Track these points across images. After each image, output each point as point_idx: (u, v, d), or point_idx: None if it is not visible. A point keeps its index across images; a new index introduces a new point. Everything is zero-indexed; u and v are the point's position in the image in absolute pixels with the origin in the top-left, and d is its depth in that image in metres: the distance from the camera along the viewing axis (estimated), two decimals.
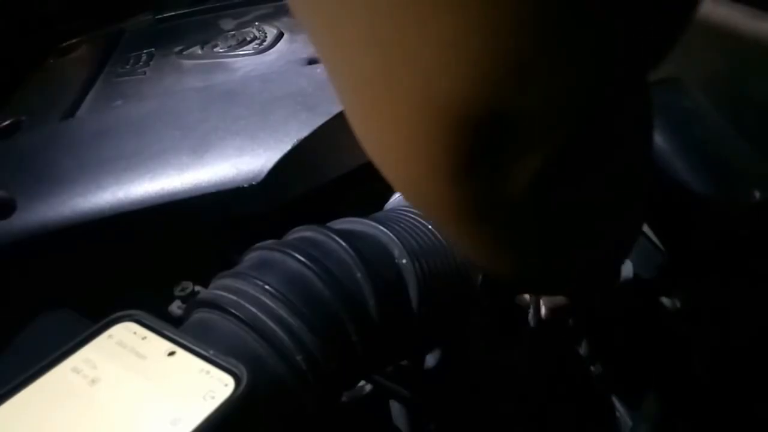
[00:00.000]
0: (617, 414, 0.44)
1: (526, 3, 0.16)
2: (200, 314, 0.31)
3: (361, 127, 0.22)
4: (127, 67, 0.59)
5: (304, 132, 0.43)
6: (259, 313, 0.29)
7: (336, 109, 0.44)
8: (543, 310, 0.43)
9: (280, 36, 0.59)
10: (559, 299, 0.42)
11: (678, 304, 0.40)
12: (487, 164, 0.19)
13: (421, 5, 0.16)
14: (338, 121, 0.43)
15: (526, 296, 0.43)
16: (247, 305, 0.30)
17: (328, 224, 0.35)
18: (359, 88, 0.20)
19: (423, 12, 0.16)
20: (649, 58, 0.20)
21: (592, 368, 0.46)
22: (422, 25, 0.17)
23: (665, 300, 0.41)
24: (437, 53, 0.17)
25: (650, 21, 0.18)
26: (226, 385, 0.24)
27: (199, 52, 0.59)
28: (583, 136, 0.20)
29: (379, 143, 0.22)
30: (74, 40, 0.70)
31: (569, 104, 0.18)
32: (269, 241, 0.34)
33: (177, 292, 0.40)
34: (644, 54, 0.19)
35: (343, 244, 0.33)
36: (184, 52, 0.59)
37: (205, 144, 0.43)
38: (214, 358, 0.25)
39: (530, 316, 0.44)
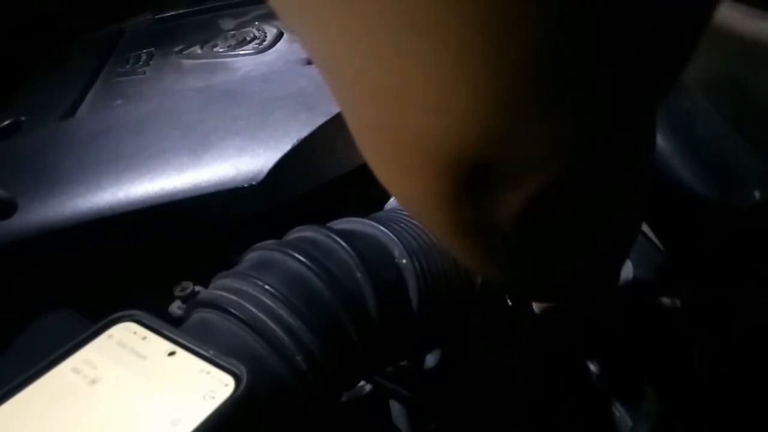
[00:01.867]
0: (617, 414, 0.44)
1: (519, 57, 0.16)
2: (200, 314, 0.31)
3: (358, 144, 0.22)
4: (127, 66, 0.59)
5: (304, 132, 0.43)
6: (259, 313, 0.29)
7: (336, 109, 0.44)
8: (536, 309, 0.43)
9: (279, 36, 0.59)
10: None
11: (678, 304, 0.40)
12: (475, 197, 0.20)
13: (413, 73, 0.17)
14: (338, 121, 0.43)
15: None
16: (247, 305, 0.30)
17: (328, 224, 0.35)
18: (352, 120, 0.21)
19: (414, 78, 0.17)
20: (644, 106, 0.21)
21: (591, 368, 0.46)
22: (414, 92, 0.17)
23: (665, 300, 0.41)
24: (428, 99, 0.17)
25: (642, 73, 0.18)
26: (226, 385, 0.24)
27: (199, 51, 0.59)
28: (574, 173, 0.20)
29: (374, 164, 0.22)
30: (74, 40, 0.70)
31: (561, 149, 0.19)
32: (269, 241, 0.34)
33: (177, 292, 0.40)
34: (638, 102, 0.20)
35: (343, 244, 0.33)
36: (184, 52, 0.59)
37: (205, 144, 0.43)
38: (214, 358, 0.25)
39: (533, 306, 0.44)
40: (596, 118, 0.18)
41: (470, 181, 0.19)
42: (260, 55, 0.56)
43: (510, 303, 0.43)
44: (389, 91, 0.18)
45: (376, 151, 0.22)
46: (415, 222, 0.35)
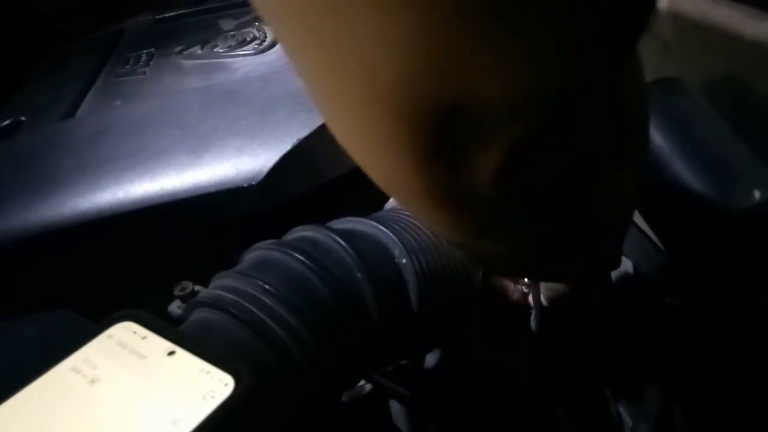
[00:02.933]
0: (617, 414, 0.44)
1: None
2: (200, 314, 0.31)
3: (326, 118, 0.21)
4: (127, 67, 0.59)
5: (304, 132, 0.43)
6: (259, 313, 0.29)
7: None
8: (543, 299, 0.43)
9: None
10: (558, 287, 0.42)
11: (678, 304, 0.40)
12: (446, 156, 0.19)
13: (349, 3, 0.16)
14: None
15: (524, 289, 0.43)
16: (246, 305, 0.30)
17: (328, 224, 0.35)
18: (314, 84, 0.20)
19: (347, 6, 0.16)
20: (621, 42, 0.18)
21: (592, 368, 0.46)
22: (351, 22, 0.16)
23: (665, 300, 0.41)
24: (372, 49, 0.16)
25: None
26: (226, 385, 0.24)
27: (199, 52, 0.59)
28: (549, 126, 0.18)
29: (343, 135, 0.21)
30: (74, 40, 0.70)
31: (527, 95, 0.17)
32: (269, 241, 0.34)
33: (177, 292, 0.40)
34: (614, 36, 0.17)
35: (343, 243, 0.33)
36: (184, 52, 0.59)
37: (205, 144, 0.43)
38: (214, 358, 0.25)
39: (532, 318, 0.44)
40: (566, 53, 0.16)
41: (438, 135, 0.18)
42: (260, 55, 0.56)
43: (511, 304, 0.43)
44: (335, 45, 0.17)
45: (341, 115, 0.20)
46: (415, 222, 0.35)
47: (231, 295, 0.30)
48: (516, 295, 0.44)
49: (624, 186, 0.27)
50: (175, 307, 0.41)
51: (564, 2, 0.15)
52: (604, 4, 0.16)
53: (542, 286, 0.43)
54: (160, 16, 0.71)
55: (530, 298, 0.43)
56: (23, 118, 0.53)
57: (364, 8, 0.15)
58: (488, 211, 0.22)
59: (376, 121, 0.18)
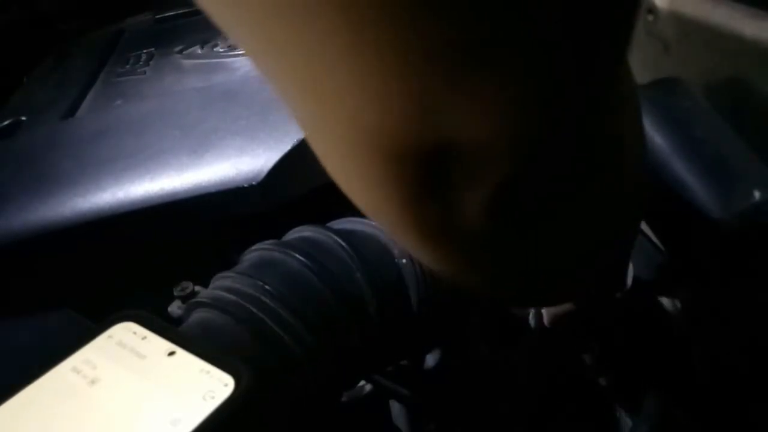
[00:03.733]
0: (617, 414, 0.44)
1: (433, 35, 0.14)
2: (200, 314, 0.31)
3: (315, 152, 0.21)
4: (127, 66, 0.59)
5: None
6: (259, 313, 0.29)
7: None
8: (545, 318, 0.43)
9: None
10: (561, 306, 0.42)
11: (678, 305, 0.40)
12: (432, 196, 0.19)
13: (318, 49, 0.15)
14: None
15: None
16: (246, 305, 0.30)
17: (328, 224, 0.35)
18: (300, 120, 0.20)
19: (323, 55, 0.16)
20: (601, 67, 0.18)
21: (592, 368, 0.46)
22: (329, 68, 0.16)
23: (665, 300, 0.41)
24: (351, 93, 0.16)
25: (593, 25, 0.16)
26: (226, 385, 0.24)
27: (199, 51, 0.59)
28: (533, 163, 0.18)
29: (332, 171, 0.21)
30: (74, 40, 0.70)
31: (507, 136, 0.17)
32: (269, 241, 0.34)
33: (177, 292, 0.40)
34: (592, 64, 0.17)
35: (343, 244, 0.33)
36: (184, 52, 0.59)
37: (205, 144, 0.43)
38: (214, 358, 0.25)
39: (531, 318, 0.44)
40: (542, 90, 0.16)
41: (424, 175, 0.18)
42: None
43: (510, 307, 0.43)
44: (314, 90, 0.17)
45: (327, 152, 0.20)
46: None
47: (231, 296, 0.30)
48: None
49: (619, 205, 0.26)
50: (175, 307, 0.41)
51: (533, 49, 0.15)
52: (572, 47, 0.16)
53: None
54: (160, 16, 0.71)
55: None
56: (23, 118, 0.53)
57: (338, 57, 0.15)
58: (479, 245, 0.21)
59: (361, 161, 0.18)
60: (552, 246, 0.24)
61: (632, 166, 0.26)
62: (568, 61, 0.16)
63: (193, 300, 0.32)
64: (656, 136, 0.35)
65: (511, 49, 0.15)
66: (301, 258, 0.31)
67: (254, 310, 0.29)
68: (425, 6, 0.14)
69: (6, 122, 0.53)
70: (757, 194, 0.32)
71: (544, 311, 0.43)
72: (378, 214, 0.22)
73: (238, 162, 0.41)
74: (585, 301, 0.40)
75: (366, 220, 0.36)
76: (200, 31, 0.63)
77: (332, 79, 0.16)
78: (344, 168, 0.20)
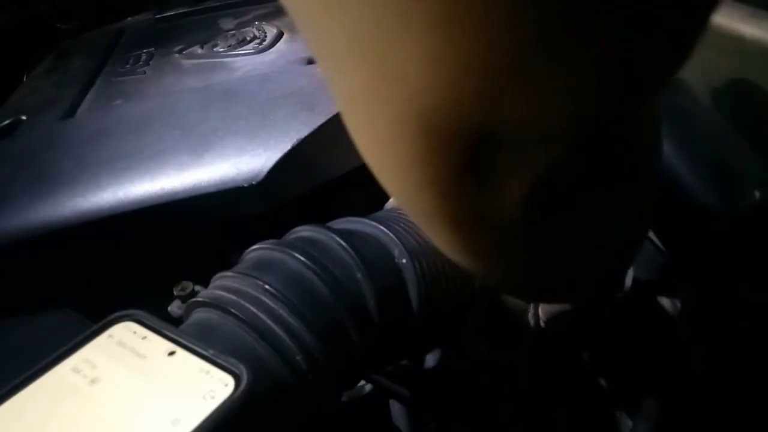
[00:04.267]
0: (617, 414, 0.44)
1: (510, 14, 0.14)
2: (200, 314, 0.31)
3: (355, 137, 0.21)
4: (127, 66, 0.59)
5: (304, 132, 0.43)
6: (259, 313, 0.29)
7: (336, 109, 0.43)
8: (542, 317, 0.43)
9: (279, 35, 0.59)
10: (558, 306, 0.42)
11: (678, 305, 0.40)
12: (476, 179, 0.19)
13: (399, 23, 0.15)
14: (338, 121, 0.43)
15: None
16: (246, 305, 0.30)
17: (328, 224, 0.35)
18: (348, 101, 0.20)
19: (402, 29, 0.15)
20: (664, 69, 0.18)
21: (592, 368, 0.46)
22: (402, 43, 0.16)
23: (665, 300, 0.41)
24: (420, 69, 0.16)
25: (662, 24, 0.16)
26: (226, 385, 0.24)
27: (199, 51, 0.59)
28: (579, 154, 0.19)
29: (372, 154, 0.21)
30: (74, 40, 0.70)
31: (565, 121, 0.17)
32: (269, 241, 0.34)
33: (177, 292, 0.40)
34: (657, 64, 0.17)
35: (343, 244, 0.33)
36: (184, 52, 0.59)
37: (205, 144, 0.43)
38: (214, 358, 0.25)
39: (530, 317, 0.44)
40: (614, 79, 0.16)
41: (468, 162, 0.18)
42: (260, 55, 0.56)
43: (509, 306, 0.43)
44: (382, 63, 0.17)
45: (373, 133, 0.20)
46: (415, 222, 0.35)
47: (231, 295, 0.30)
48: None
49: (640, 204, 0.27)
50: (175, 307, 0.41)
51: (606, 41, 0.15)
52: (645, 44, 0.16)
53: None
54: (160, 16, 0.71)
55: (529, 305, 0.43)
56: (23, 118, 0.53)
57: (422, 32, 0.15)
58: (510, 235, 0.22)
59: (410, 141, 0.18)
60: (579, 238, 0.24)
61: (653, 169, 0.27)
62: (643, 61, 0.16)
63: (193, 300, 0.32)
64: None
65: (586, 44, 0.15)
66: (301, 258, 0.31)
67: (254, 309, 0.29)
68: None
69: (6, 122, 0.53)
70: (757, 194, 0.32)
71: (540, 311, 0.43)
72: (410, 200, 0.22)
73: (238, 162, 0.41)
74: (584, 301, 0.40)
75: (366, 220, 0.36)
76: (200, 31, 0.63)
77: (405, 50, 0.16)
78: (383, 147, 0.20)
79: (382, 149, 0.20)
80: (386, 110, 0.18)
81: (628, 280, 0.40)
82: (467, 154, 0.18)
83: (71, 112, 0.52)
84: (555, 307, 0.42)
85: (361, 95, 0.19)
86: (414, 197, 0.21)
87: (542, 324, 0.41)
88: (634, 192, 0.25)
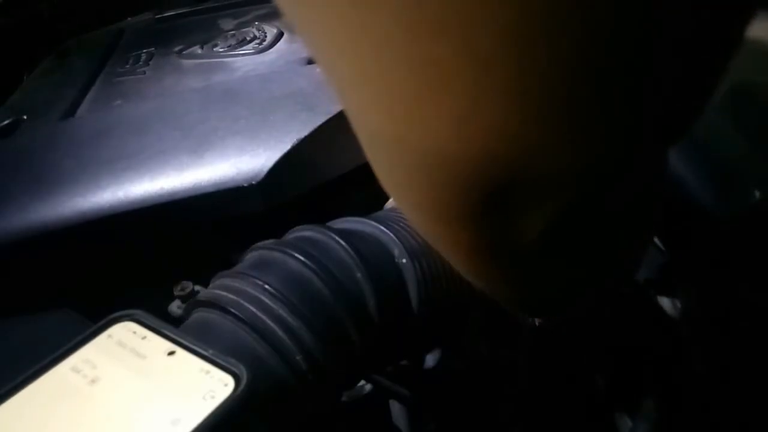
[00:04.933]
0: (617, 414, 0.44)
1: (550, 68, 0.15)
2: (200, 314, 0.31)
3: (376, 169, 0.21)
4: (127, 66, 0.59)
5: (303, 132, 0.43)
6: (258, 313, 0.29)
7: (336, 109, 0.44)
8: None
9: (279, 36, 0.59)
10: None
11: (678, 305, 0.40)
12: (499, 215, 0.19)
13: (437, 86, 0.16)
14: (338, 121, 0.43)
15: None
16: (246, 305, 0.30)
17: (328, 224, 0.35)
18: (366, 136, 0.20)
19: (438, 92, 0.16)
20: (683, 122, 0.19)
21: (592, 368, 0.46)
22: (437, 104, 0.16)
23: (665, 301, 0.41)
24: (452, 127, 0.16)
25: (682, 86, 0.17)
26: (226, 385, 0.24)
27: (199, 51, 0.59)
28: (598, 194, 0.19)
29: (390, 186, 0.21)
30: (74, 40, 0.70)
31: (587, 168, 0.18)
32: (269, 241, 0.34)
33: (177, 291, 0.40)
34: (676, 120, 0.19)
35: (343, 243, 0.33)
36: (184, 52, 0.59)
37: (205, 144, 0.43)
38: (214, 358, 0.25)
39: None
40: (636, 134, 0.17)
41: (489, 202, 0.18)
42: (260, 55, 0.56)
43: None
44: (409, 116, 0.17)
45: (392, 170, 0.20)
46: None
47: (231, 295, 0.30)
48: None
49: (650, 224, 0.28)
50: (175, 307, 0.41)
51: (630, 97, 0.16)
52: (667, 102, 0.17)
53: None
54: (160, 16, 0.71)
55: None
56: (23, 118, 0.53)
57: (455, 96, 0.16)
58: (524, 263, 0.22)
59: (426, 182, 0.19)
60: (590, 262, 0.25)
61: (662, 190, 0.29)
62: (663, 121, 0.18)
63: (193, 300, 0.32)
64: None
65: (616, 99, 0.16)
66: (301, 258, 0.31)
67: (254, 309, 0.29)
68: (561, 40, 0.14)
69: (6, 122, 0.53)
70: (757, 194, 0.32)
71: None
72: (428, 232, 0.23)
73: (238, 162, 0.41)
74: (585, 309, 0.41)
75: (366, 220, 0.36)
76: (200, 31, 0.63)
77: (439, 112, 0.16)
78: (401, 187, 0.21)
79: (400, 184, 0.21)
80: (406, 153, 0.18)
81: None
82: (485, 200, 0.18)
83: (71, 112, 0.52)
84: None
85: (379, 135, 0.19)
86: (434, 229, 0.22)
87: (544, 323, 0.41)
88: (645, 216, 0.26)
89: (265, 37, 0.59)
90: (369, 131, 0.20)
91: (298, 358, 0.29)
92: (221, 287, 0.31)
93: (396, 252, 0.34)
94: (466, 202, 0.19)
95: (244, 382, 0.24)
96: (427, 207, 0.20)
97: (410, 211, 0.23)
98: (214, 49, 0.58)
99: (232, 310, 0.29)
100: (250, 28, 0.61)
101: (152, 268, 0.43)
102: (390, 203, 0.40)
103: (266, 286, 0.30)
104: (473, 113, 0.16)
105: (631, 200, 0.23)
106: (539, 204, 0.19)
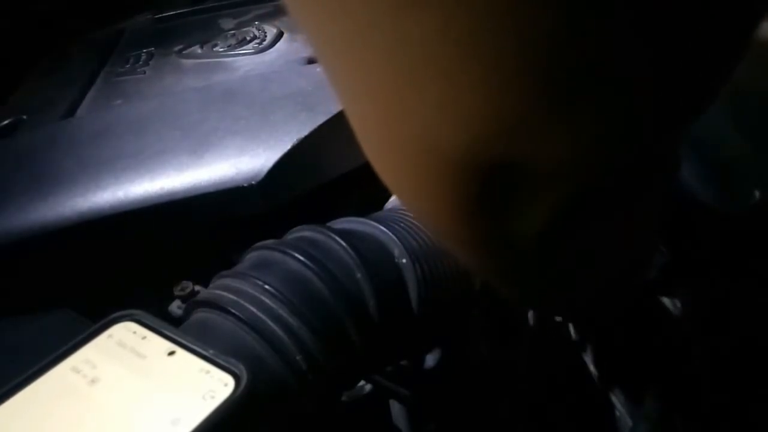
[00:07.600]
0: (617, 414, 0.44)
1: (538, 45, 0.14)
2: (200, 314, 0.31)
3: (371, 159, 0.21)
4: (127, 66, 0.59)
5: (304, 132, 0.43)
6: (259, 313, 0.29)
7: (336, 109, 0.44)
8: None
9: (279, 35, 0.59)
10: None
11: (678, 304, 0.40)
12: (494, 209, 0.19)
13: (415, 69, 0.16)
14: (338, 121, 0.43)
15: None
16: (247, 305, 0.30)
17: (328, 224, 0.35)
18: (363, 131, 0.20)
19: (417, 75, 0.16)
20: (687, 113, 0.19)
21: (592, 368, 0.46)
22: (418, 88, 0.16)
23: (665, 300, 0.41)
24: (435, 111, 0.16)
25: (688, 71, 0.16)
26: (226, 385, 0.24)
27: (199, 51, 0.59)
28: (597, 188, 0.19)
29: (389, 179, 0.21)
30: (74, 40, 0.70)
31: (584, 160, 0.17)
32: (269, 241, 0.34)
33: (177, 292, 0.40)
34: (680, 108, 0.18)
35: (343, 244, 0.33)
36: (184, 52, 0.59)
37: (205, 144, 0.43)
38: (214, 358, 0.25)
39: (530, 316, 0.44)
40: (633, 120, 0.17)
41: (486, 193, 0.18)
42: (260, 54, 0.56)
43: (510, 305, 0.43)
44: (396, 104, 0.17)
45: (389, 163, 0.20)
46: (415, 222, 0.35)
47: (231, 295, 0.30)
48: None
49: (655, 223, 0.28)
50: (175, 307, 0.41)
51: (631, 85, 0.16)
52: (669, 90, 0.17)
53: None
54: (159, 16, 0.71)
55: None
56: (23, 118, 0.53)
57: (438, 77, 0.15)
58: (526, 258, 0.22)
59: (428, 173, 0.18)
60: (593, 259, 0.25)
61: (669, 188, 0.28)
62: (666, 111, 0.17)
63: (193, 300, 0.32)
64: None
65: (613, 88, 0.16)
66: (301, 258, 0.31)
67: (254, 309, 0.29)
68: (556, 28, 0.14)
69: (6, 121, 0.53)
70: (757, 194, 0.32)
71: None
72: (428, 222, 0.23)
73: (238, 162, 0.41)
74: (595, 312, 0.40)
75: (366, 220, 0.36)
76: (200, 31, 0.63)
77: (420, 96, 0.16)
78: (407, 181, 0.20)
79: (398, 177, 0.20)
80: (399, 144, 0.18)
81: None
82: (484, 187, 0.18)
83: (71, 112, 0.52)
84: None
85: (374, 128, 0.19)
86: (432, 220, 0.22)
87: (544, 322, 0.41)
88: (649, 213, 0.25)
89: (265, 36, 0.59)
90: (359, 119, 0.20)
91: (298, 358, 0.29)
92: (221, 287, 0.31)
93: (396, 252, 0.34)
94: (459, 194, 0.18)
95: (244, 382, 0.24)
96: (423, 199, 0.20)
97: (410, 203, 0.23)
98: (214, 49, 0.58)
99: (232, 310, 0.29)
100: (250, 28, 0.61)
101: (152, 268, 0.43)
102: (390, 203, 0.40)
103: (266, 287, 0.30)
104: (455, 98, 0.16)
105: (637, 192, 0.22)
106: (539, 195, 0.18)
